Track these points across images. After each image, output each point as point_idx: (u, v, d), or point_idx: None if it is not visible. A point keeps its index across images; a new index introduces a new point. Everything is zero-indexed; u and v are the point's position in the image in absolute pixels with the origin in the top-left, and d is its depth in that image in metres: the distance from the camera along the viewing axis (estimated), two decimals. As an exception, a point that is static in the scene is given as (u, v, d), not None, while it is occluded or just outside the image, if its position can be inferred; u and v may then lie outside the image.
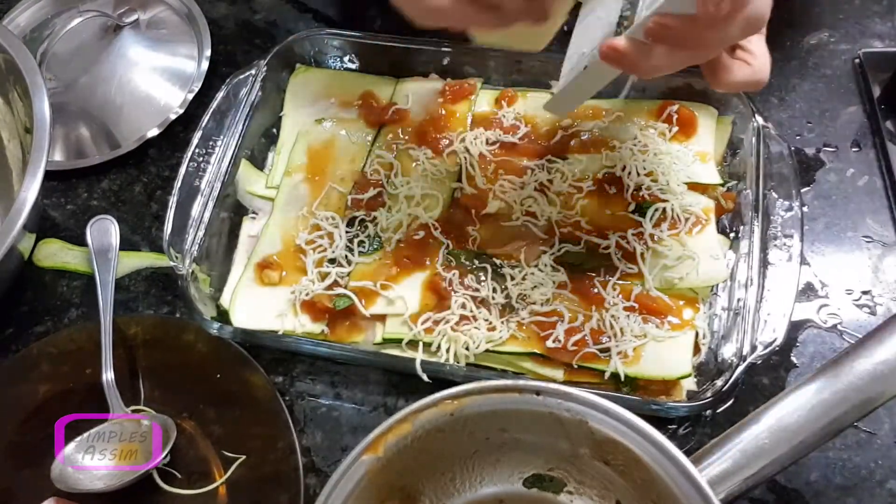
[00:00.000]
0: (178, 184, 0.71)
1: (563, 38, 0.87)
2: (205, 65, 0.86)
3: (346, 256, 0.70)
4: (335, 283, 0.69)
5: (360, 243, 0.71)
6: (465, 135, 0.76)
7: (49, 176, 0.70)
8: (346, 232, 0.72)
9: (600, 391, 0.61)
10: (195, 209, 0.71)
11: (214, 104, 0.75)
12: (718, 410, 0.65)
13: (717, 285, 0.69)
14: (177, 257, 0.68)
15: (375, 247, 0.71)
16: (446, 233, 0.71)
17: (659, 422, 0.55)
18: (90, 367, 0.68)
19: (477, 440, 0.53)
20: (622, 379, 0.64)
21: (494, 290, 0.68)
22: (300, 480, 0.63)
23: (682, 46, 0.53)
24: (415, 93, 0.79)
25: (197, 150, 0.73)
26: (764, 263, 0.66)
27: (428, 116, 0.78)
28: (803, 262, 0.71)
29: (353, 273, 0.70)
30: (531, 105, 0.78)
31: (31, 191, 0.67)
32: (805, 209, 0.73)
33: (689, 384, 0.65)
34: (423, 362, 0.64)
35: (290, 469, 0.63)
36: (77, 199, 0.81)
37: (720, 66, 0.57)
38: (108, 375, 0.66)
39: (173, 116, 0.83)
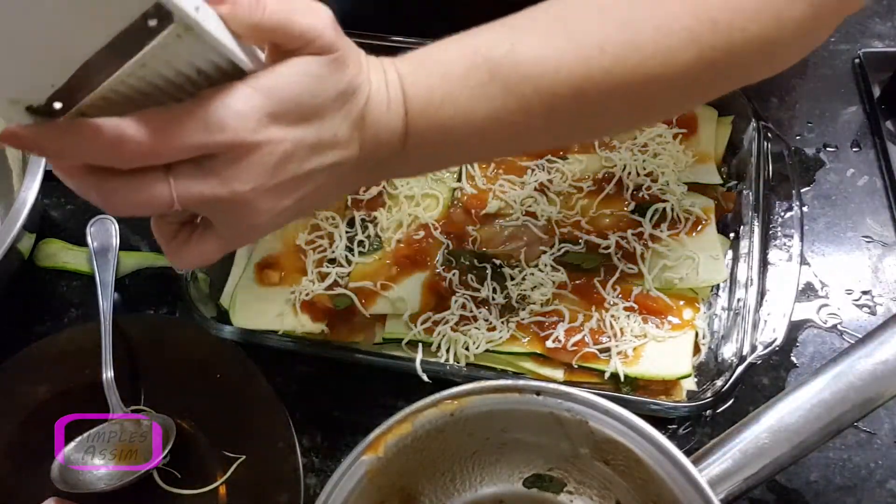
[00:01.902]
0: (178, 184, 0.71)
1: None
2: (205, 65, 0.86)
3: (346, 256, 0.70)
4: (335, 283, 0.69)
5: (360, 243, 0.71)
6: (465, 135, 0.76)
7: (49, 176, 0.70)
8: (346, 232, 0.72)
9: (600, 391, 0.61)
10: (195, 209, 0.71)
11: (214, 104, 0.75)
12: (718, 410, 0.65)
13: (717, 285, 0.69)
14: (177, 257, 0.68)
15: (375, 247, 0.71)
16: (446, 233, 0.71)
17: (659, 422, 0.55)
18: (90, 367, 0.68)
19: (477, 440, 0.53)
20: (622, 379, 0.63)
21: (494, 291, 0.68)
22: (300, 480, 0.63)
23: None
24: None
25: (197, 150, 0.73)
26: (764, 263, 0.66)
27: (428, 116, 0.78)
28: (803, 262, 0.71)
29: (353, 273, 0.70)
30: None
31: (31, 191, 0.67)
32: (805, 209, 0.73)
33: (689, 384, 0.65)
34: (423, 362, 0.64)
35: (290, 469, 0.63)
36: (77, 199, 0.79)
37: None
38: (108, 375, 0.66)
39: (173, 116, 0.83)
